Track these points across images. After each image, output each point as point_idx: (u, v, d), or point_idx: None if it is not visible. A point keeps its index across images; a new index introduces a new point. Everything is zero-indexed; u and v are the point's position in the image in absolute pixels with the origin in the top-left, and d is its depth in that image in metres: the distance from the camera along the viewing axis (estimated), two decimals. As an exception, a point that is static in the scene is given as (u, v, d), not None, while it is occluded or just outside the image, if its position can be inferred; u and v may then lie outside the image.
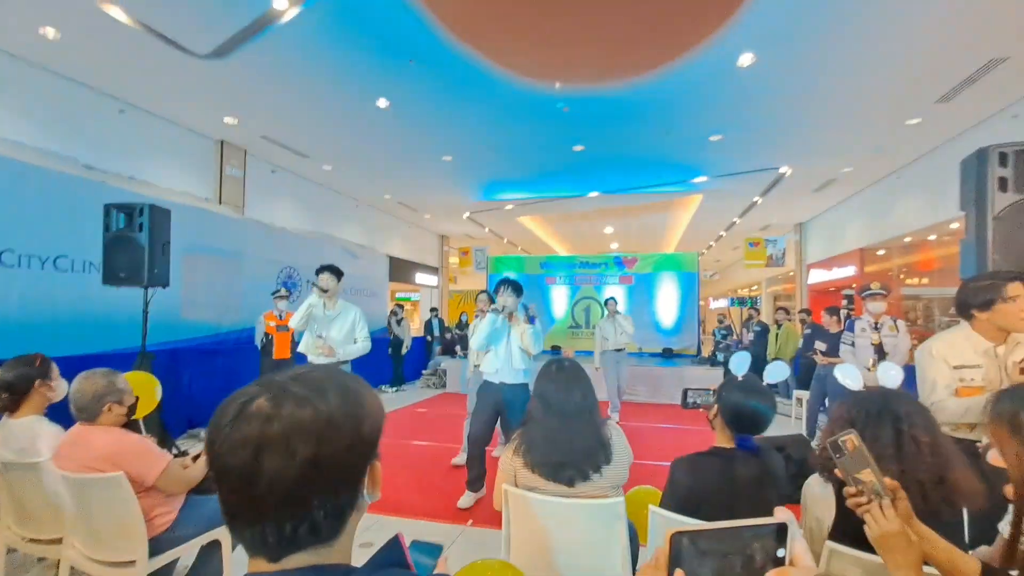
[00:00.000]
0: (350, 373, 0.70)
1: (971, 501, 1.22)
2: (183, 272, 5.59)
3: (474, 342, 3.66)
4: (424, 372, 9.73)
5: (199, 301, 5.82)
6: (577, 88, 5.56)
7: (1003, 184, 2.43)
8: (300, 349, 3.73)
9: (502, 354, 3.59)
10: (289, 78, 5.38)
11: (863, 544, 1.08)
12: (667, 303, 10.11)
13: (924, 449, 1.23)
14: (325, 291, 3.69)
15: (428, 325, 11.03)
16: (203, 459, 2.16)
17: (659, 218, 12.68)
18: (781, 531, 0.63)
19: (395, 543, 0.78)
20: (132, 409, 2.04)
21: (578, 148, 7.44)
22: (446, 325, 11.55)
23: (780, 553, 0.63)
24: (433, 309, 11.77)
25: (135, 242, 3.83)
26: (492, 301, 3.96)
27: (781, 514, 0.65)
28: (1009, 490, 0.77)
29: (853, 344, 4.40)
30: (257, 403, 0.60)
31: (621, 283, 10.26)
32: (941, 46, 4.60)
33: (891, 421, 1.27)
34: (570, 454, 1.73)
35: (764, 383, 1.81)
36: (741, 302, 16.44)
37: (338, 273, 3.84)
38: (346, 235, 9.92)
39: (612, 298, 7.05)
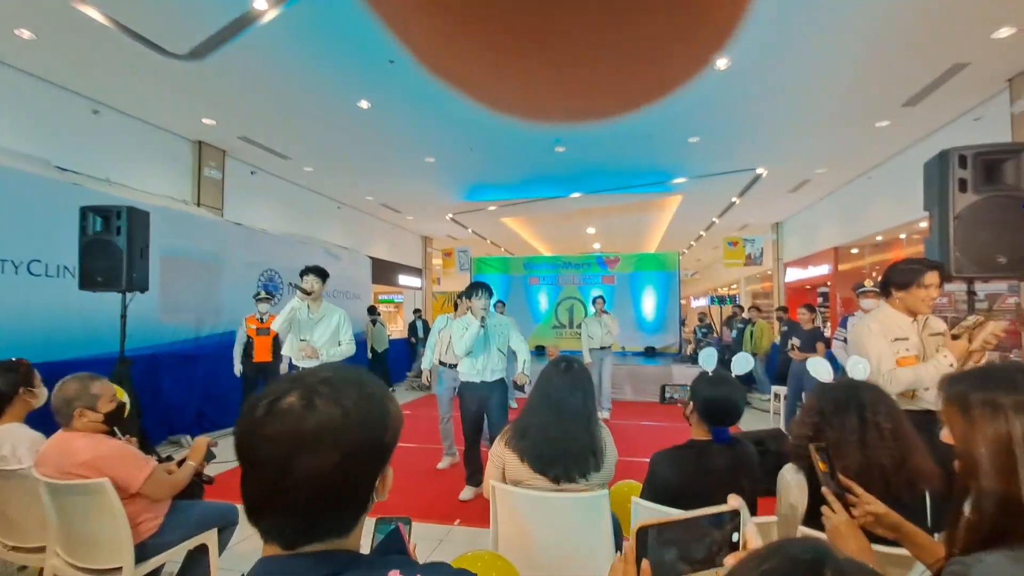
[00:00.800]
0: (371, 376, 0.74)
1: (930, 483, 1.31)
2: (161, 276, 5.49)
3: (461, 349, 3.69)
4: (408, 374, 9.70)
5: (178, 305, 5.72)
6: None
7: (963, 185, 2.55)
8: (284, 352, 3.70)
9: (483, 356, 3.72)
10: (269, 79, 5.34)
11: None
12: (649, 302, 10.27)
13: (887, 435, 1.31)
14: (309, 293, 3.66)
15: (412, 327, 11.00)
16: (188, 464, 2.16)
17: (640, 218, 12.85)
18: (734, 517, 0.69)
19: (396, 533, 0.82)
20: (112, 416, 2.01)
21: (560, 149, 7.51)
22: (430, 327, 11.52)
23: (735, 538, 0.69)
24: (416, 311, 11.73)
25: (113, 246, 3.76)
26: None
27: (734, 501, 0.71)
28: (958, 465, 0.86)
29: (845, 340, 4.58)
30: (288, 400, 0.62)
31: (603, 283, 10.37)
32: (906, 52, 4.78)
33: (856, 410, 1.35)
34: (561, 453, 1.77)
35: (733, 375, 1.89)
36: (721, 300, 16.74)
37: (323, 275, 3.80)
38: (328, 237, 9.85)
39: (601, 296, 7.11)
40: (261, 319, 5.75)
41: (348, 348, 3.80)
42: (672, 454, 1.76)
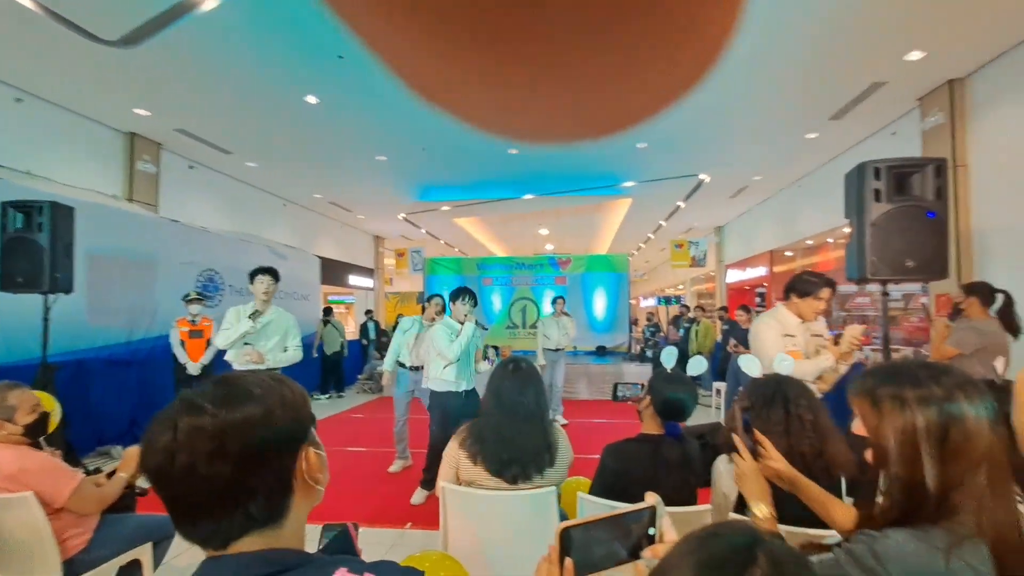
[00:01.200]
0: (269, 371, 0.75)
1: (845, 469, 1.44)
2: (89, 276, 5.13)
3: (454, 353, 3.59)
4: (360, 377, 9.49)
5: (108, 307, 5.35)
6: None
7: (878, 195, 2.79)
8: (227, 358, 3.52)
9: (464, 362, 3.72)
10: (209, 69, 5.10)
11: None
12: (600, 302, 10.52)
13: (807, 426, 1.43)
14: (265, 302, 3.51)
15: (363, 328, 10.77)
16: (119, 476, 2.04)
17: (592, 220, 13.15)
18: (652, 513, 0.75)
19: (344, 532, 0.83)
20: (34, 428, 1.87)
21: (513, 151, 7.58)
22: (382, 328, 11.32)
23: (651, 531, 0.74)
24: (368, 312, 11.49)
25: (35, 244, 3.49)
26: (446, 306, 4.27)
27: (650, 498, 0.77)
28: (870, 454, 0.95)
29: None
30: (169, 411, 0.67)
31: (556, 283, 10.54)
32: (832, 70, 5.16)
33: (782, 403, 1.46)
34: (518, 453, 1.80)
35: (688, 375, 2.01)
36: (667, 301, 17.38)
37: (277, 276, 3.64)
38: (273, 236, 9.49)
39: (562, 297, 7.13)
40: (193, 321, 5.47)
41: (295, 354, 3.66)
42: (623, 447, 1.83)
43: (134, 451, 2.11)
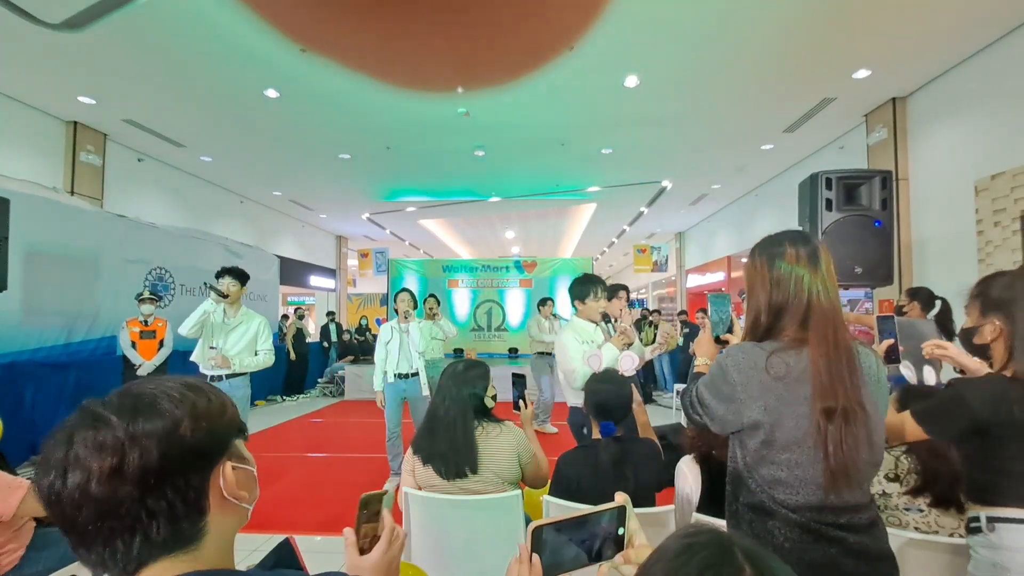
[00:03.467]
0: (183, 377, 0.70)
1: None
2: (24, 272, 4.78)
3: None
4: (320, 380, 9.23)
5: (45, 306, 5.00)
6: (477, 94, 5.67)
7: (829, 204, 2.94)
8: (193, 359, 3.34)
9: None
10: (161, 57, 4.85)
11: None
12: (565, 305, 10.59)
13: None
14: (226, 296, 3.36)
15: (324, 330, 10.49)
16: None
17: (557, 223, 13.27)
18: (621, 513, 0.75)
19: (285, 545, 0.79)
20: None
21: (479, 153, 7.57)
22: (344, 328, 11.06)
23: (620, 532, 0.75)
24: (330, 313, 11.21)
25: (-40, 238, 3.23)
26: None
27: (619, 498, 0.77)
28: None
29: None
30: (67, 423, 0.62)
31: (521, 286, 10.56)
32: (785, 85, 5.40)
33: None
34: (447, 450, 1.80)
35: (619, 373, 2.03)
36: (631, 304, 17.74)
37: (242, 277, 3.49)
38: (229, 233, 9.10)
39: (550, 298, 6.86)
40: (145, 322, 5.20)
41: (266, 358, 3.51)
42: (569, 454, 1.84)
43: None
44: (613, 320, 2.71)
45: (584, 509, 0.74)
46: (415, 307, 4.34)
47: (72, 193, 6.20)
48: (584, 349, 3.60)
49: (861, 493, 1.07)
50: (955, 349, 1.54)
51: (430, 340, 5.17)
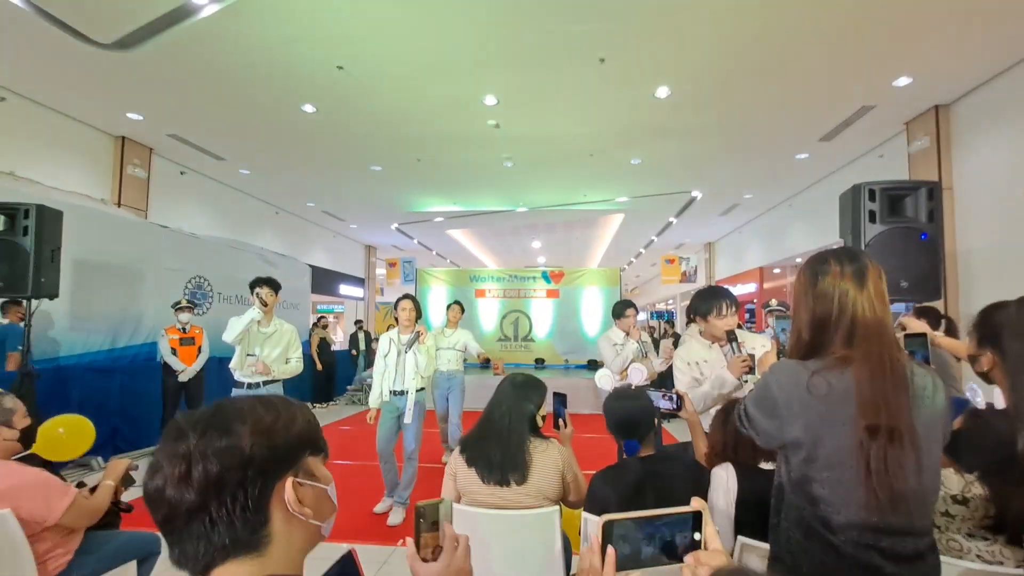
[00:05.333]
0: (267, 397, 0.75)
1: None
2: (73, 281, 5.01)
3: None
4: (349, 388, 9.36)
5: (92, 313, 5.23)
6: (508, 108, 5.73)
7: (872, 216, 2.83)
8: (232, 366, 3.45)
9: None
10: (206, 76, 5.07)
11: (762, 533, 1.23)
12: (592, 316, 10.51)
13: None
14: (266, 305, 3.46)
15: (353, 339, 10.65)
16: (105, 484, 1.97)
17: (584, 234, 13.22)
18: (696, 518, 0.74)
19: (348, 558, 0.80)
20: (28, 433, 1.81)
21: (508, 164, 7.62)
22: (373, 337, 11.20)
23: (696, 536, 0.74)
24: (358, 321, 11.38)
25: (18, 248, 3.41)
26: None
27: (696, 503, 0.75)
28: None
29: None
30: (165, 433, 0.69)
31: (548, 297, 10.53)
32: (822, 94, 5.28)
33: None
34: (498, 457, 1.80)
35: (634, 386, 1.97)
36: (659, 316, 17.47)
37: (277, 287, 3.58)
38: (264, 243, 9.37)
39: (457, 302, 5.59)
40: (183, 329, 5.37)
41: (297, 366, 3.63)
42: (605, 473, 1.79)
43: (120, 463, 2.04)
44: (738, 341, 2.30)
45: (657, 510, 0.74)
46: (419, 316, 3.74)
47: (119, 205, 6.50)
48: (615, 350, 3.90)
49: (909, 520, 1.02)
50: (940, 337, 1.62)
51: (448, 351, 5.13)
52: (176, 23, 4.19)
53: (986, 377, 1.44)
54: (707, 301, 2.42)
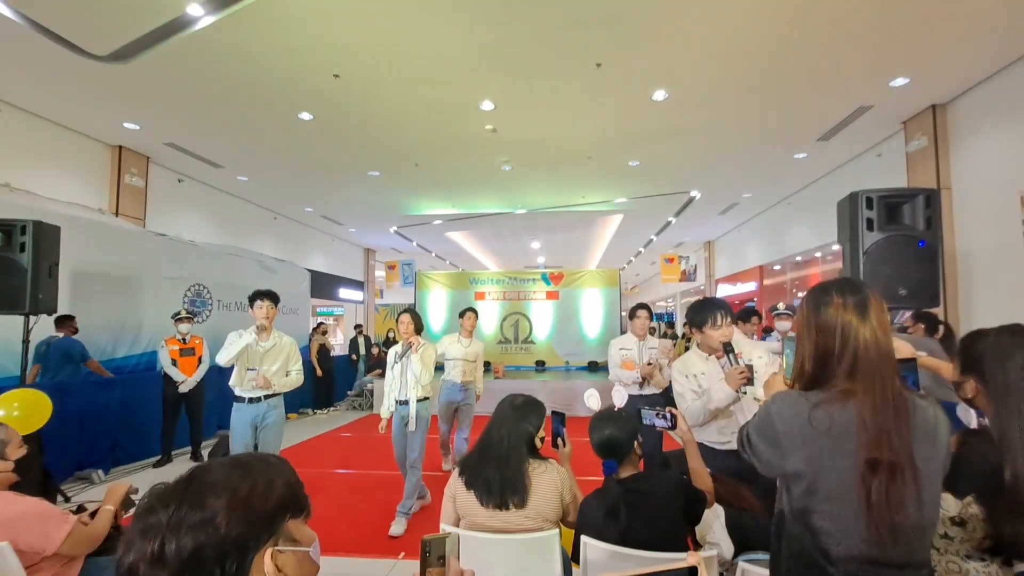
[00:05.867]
0: (243, 457, 0.73)
1: None
2: (72, 291, 5.02)
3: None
4: (349, 393, 9.36)
5: (91, 325, 5.23)
6: (505, 112, 5.71)
7: (870, 224, 2.83)
8: (231, 383, 3.42)
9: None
10: (202, 85, 5.06)
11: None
12: (592, 317, 10.51)
13: None
14: (267, 320, 3.42)
15: (353, 343, 10.65)
16: (105, 510, 1.97)
17: (583, 234, 13.21)
18: (692, 573, 0.73)
19: None
20: (23, 463, 1.81)
21: (506, 168, 7.60)
22: (372, 341, 11.21)
23: None
24: (358, 326, 11.39)
25: (16, 264, 3.41)
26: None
27: (692, 558, 0.75)
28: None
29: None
30: (141, 504, 0.68)
31: (548, 299, 10.53)
32: (820, 94, 5.26)
33: None
34: (496, 480, 1.79)
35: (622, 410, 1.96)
36: (658, 317, 17.46)
37: (277, 300, 3.54)
38: (263, 249, 9.38)
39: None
40: (184, 340, 5.37)
41: (297, 378, 3.59)
42: (591, 496, 1.79)
43: (120, 487, 2.04)
44: (734, 352, 2.26)
45: (652, 567, 0.73)
46: (419, 330, 3.80)
47: (116, 214, 6.50)
48: (622, 353, 3.93)
49: (909, 552, 1.03)
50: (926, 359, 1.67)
51: (463, 361, 4.75)
52: (172, 35, 4.18)
53: (972, 403, 1.44)
54: (701, 312, 2.42)
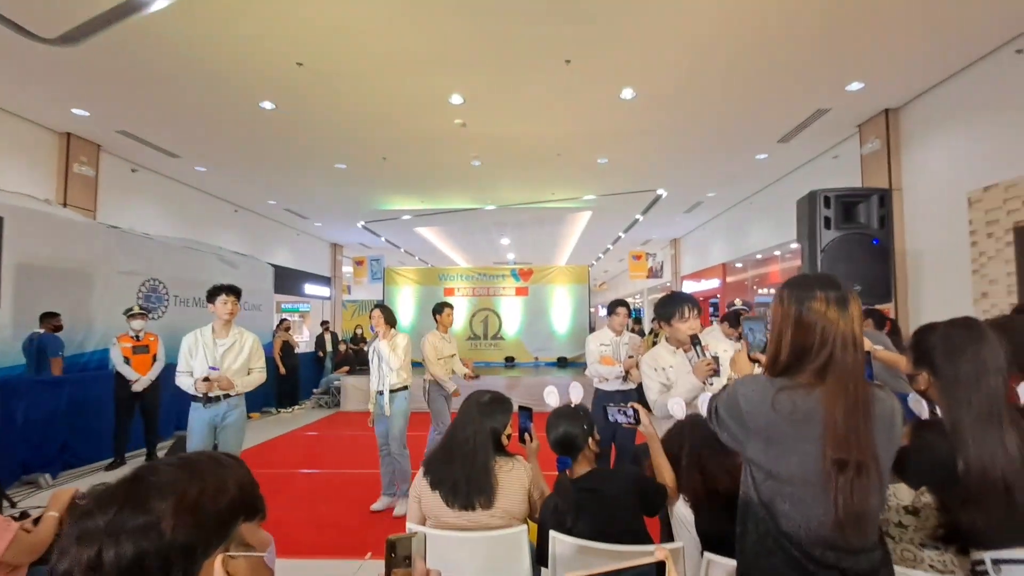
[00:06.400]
0: (191, 456, 0.68)
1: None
2: (15, 286, 4.73)
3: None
4: (315, 391, 9.16)
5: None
6: (474, 107, 5.67)
7: (827, 223, 2.95)
8: (183, 387, 3.20)
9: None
10: (156, 70, 4.83)
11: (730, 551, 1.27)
12: (561, 313, 10.60)
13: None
14: (229, 316, 3.25)
15: (319, 340, 10.42)
16: (49, 516, 1.86)
17: (553, 230, 13.28)
18: (661, 568, 0.74)
19: None
20: None
21: (475, 163, 7.56)
22: (339, 339, 10.99)
23: None
24: (324, 322, 11.14)
25: (-50, 257, 3.17)
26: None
27: (660, 553, 0.75)
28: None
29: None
30: (82, 508, 0.62)
31: (517, 295, 10.55)
32: (780, 97, 5.43)
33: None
34: (462, 480, 1.77)
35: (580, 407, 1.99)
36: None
37: (238, 294, 3.34)
38: (223, 242, 9.03)
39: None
40: (136, 337, 5.13)
41: (260, 376, 3.43)
42: (551, 496, 1.81)
43: (65, 493, 1.93)
44: (701, 345, 2.27)
45: (621, 564, 0.73)
46: (390, 323, 3.93)
47: (65, 205, 6.15)
48: (601, 349, 3.96)
49: (866, 537, 1.08)
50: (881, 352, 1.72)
51: (452, 359, 4.71)
52: (124, 17, 3.97)
53: (924, 395, 1.49)
54: (669, 306, 2.47)
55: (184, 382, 3.21)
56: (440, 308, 4.76)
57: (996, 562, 1.24)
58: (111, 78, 4.96)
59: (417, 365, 4.50)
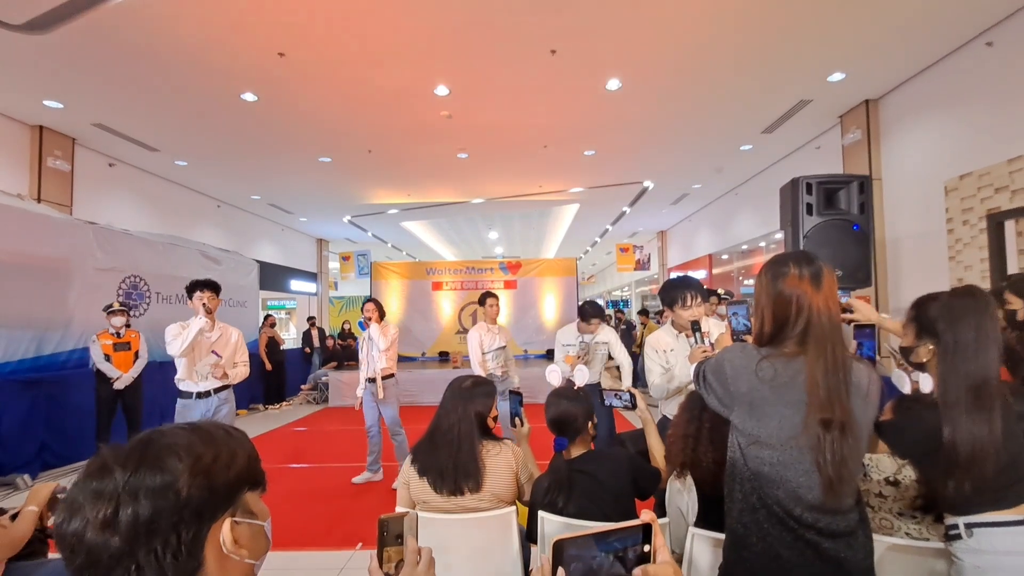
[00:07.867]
0: (203, 424, 0.69)
1: None
2: (-12, 285, 4.61)
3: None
4: (303, 387, 9.08)
5: (12, 319, 4.82)
6: (460, 98, 5.63)
7: (809, 209, 2.99)
8: (179, 377, 3.26)
9: None
10: (132, 61, 4.70)
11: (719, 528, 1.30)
12: (550, 306, 10.62)
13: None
14: (210, 312, 3.31)
15: (306, 336, 10.33)
16: (27, 511, 1.82)
17: (540, 223, 13.30)
18: (647, 530, 0.74)
19: None
20: None
21: (462, 156, 7.52)
22: (327, 335, 10.91)
23: (646, 548, 0.74)
24: (311, 318, 11.05)
25: (-82, 252, 3.08)
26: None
27: (646, 516, 0.76)
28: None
29: None
30: (87, 467, 0.62)
31: (506, 288, 10.55)
32: (764, 87, 5.47)
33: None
34: (447, 466, 1.77)
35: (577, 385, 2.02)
36: (612, 304, 17.85)
37: (218, 289, 3.44)
38: (206, 238, 8.88)
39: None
40: (117, 334, 5.03)
41: (244, 370, 3.52)
42: (545, 475, 1.82)
43: (45, 488, 1.89)
44: (702, 331, 2.26)
45: (607, 525, 0.74)
46: (381, 315, 4.35)
47: (39, 200, 5.99)
48: (564, 349, 4.05)
49: (844, 499, 1.13)
50: (889, 321, 1.79)
51: (498, 351, 4.55)
52: (97, 4, 3.86)
53: (921, 367, 1.49)
54: (672, 292, 2.51)
55: (176, 344, 3.18)
56: (483, 299, 4.53)
57: (969, 526, 1.28)
58: (85, 69, 4.82)
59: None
